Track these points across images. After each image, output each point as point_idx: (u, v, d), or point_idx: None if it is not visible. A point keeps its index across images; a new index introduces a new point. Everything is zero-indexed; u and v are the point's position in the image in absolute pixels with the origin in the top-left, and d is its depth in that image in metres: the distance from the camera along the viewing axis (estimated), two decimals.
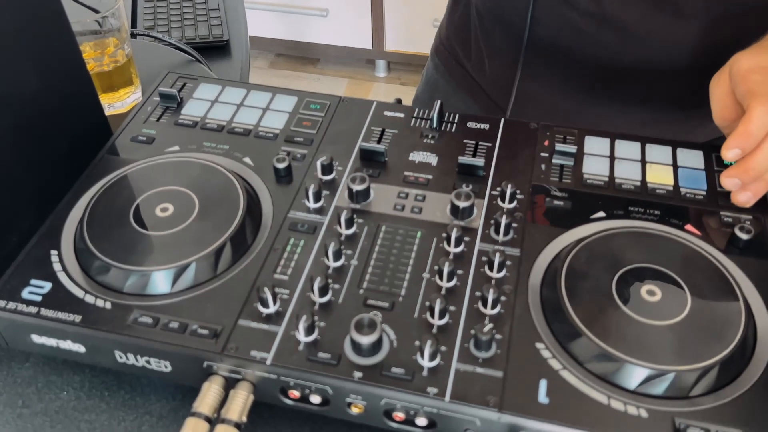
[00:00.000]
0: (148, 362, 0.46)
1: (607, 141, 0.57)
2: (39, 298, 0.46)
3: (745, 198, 0.51)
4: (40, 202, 0.54)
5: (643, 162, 0.55)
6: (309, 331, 0.44)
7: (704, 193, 0.53)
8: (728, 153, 0.49)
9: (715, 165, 0.55)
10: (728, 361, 0.42)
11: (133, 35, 0.87)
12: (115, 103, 0.75)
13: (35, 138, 0.53)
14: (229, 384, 0.45)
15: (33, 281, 0.47)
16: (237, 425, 0.43)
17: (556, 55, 0.72)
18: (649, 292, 0.45)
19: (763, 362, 0.43)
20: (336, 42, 2.32)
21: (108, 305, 0.46)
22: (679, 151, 0.56)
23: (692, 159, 0.56)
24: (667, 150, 0.56)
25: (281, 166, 0.54)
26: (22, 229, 0.52)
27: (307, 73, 2.44)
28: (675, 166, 0.55)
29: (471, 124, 0.59)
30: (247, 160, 0.56)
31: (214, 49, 0.97)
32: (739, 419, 0.40)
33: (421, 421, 0.43)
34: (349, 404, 0.44)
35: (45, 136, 0.54)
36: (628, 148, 0.56)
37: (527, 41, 0.71)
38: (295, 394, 0.44)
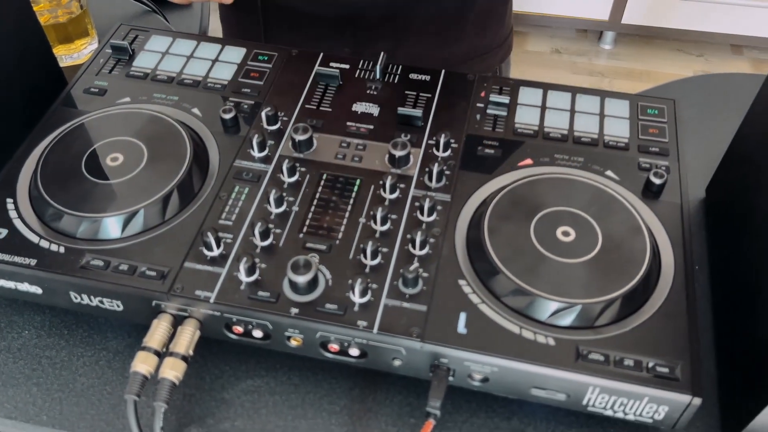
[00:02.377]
0: (101, 302, 0.49)
1: (540, 91, 0.60)
2: None
3: None
4: None
5: (573, 111, 0.58)
6: (250, 271, 0.47)
7: (626, 140, 0.56)
8: None
9: (639, 114, 0.58)
10: (631, 295, 0.46)
11: None
12: (72, 54, 0.76)
13: None
14: (177, 321, 0.48)
15: None
16: (184, 358, 0.47)
17: None
18: (564, 233, 0.49)
19: (663, 295, 0.47)
20: None
21: (62, 249, 0.49)
22: (607, 101, 0.59)
23: (619, 108, 0.59)
24: (595, 99, 0.59)
25: (228, 116, 0.57)
26: None
27: None
28: (602, 116, 0.58)
29: (413, 76, 0.62)
30: (195, 111, 0.58)
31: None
32: (638, 346, 0.44)
33: (354, 352, 0.47)
34: (288, 338, 0.47)
35: None
36: (558, 98, 0.59)
37: None
38: (239, 329, 0.48)
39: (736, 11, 2.08)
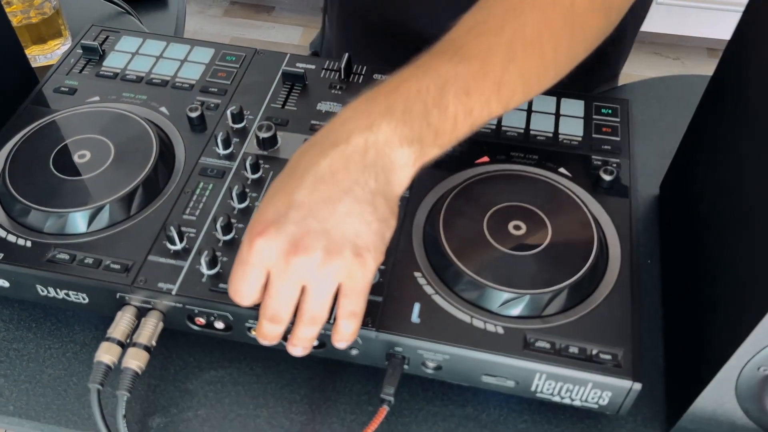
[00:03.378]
0: (67, 295, 0.50)
1: None
2: None
3: (298, 352, 0.45)
4: None
5: (529, 111, 0.60)
6: (211, 264, 0.49)
7: (580, 138, 0.58)
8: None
9: (593, 113, 0.60)
10: (577, 286, 0.48)
11: None
12: (45, 54, 0.77)
13: None
14: (141, 313, 0.50)
15: None
16: (146, 348, 0.48)
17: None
18: (516, 227, 0.50)
19: (609, 287, 0.49)
20: None
21: (29, 244, 0.50)
22: (563, 101, 0.61)
23: (574, 108, 0.61)
24: (551, 100, 0.61)
25: (194, 115, 0.58)
26: None
27: (262, 21, 2.43)
28: (557, 115, 0.60)
29: (377, 76, 0.64)
30: (163, 109, 0.60)
31: (149, 1, 0.99)
32: (583, 334, 0.46)
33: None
34: (249, 328, 0.49)
35: None
36: None
37: None
38: (201, 321, 0.49)
39: (712, 15, 2.11)
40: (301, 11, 2.43)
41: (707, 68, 2.44)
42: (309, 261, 0.40)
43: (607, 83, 0.82)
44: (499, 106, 0.45)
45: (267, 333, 0.44)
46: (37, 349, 0.53)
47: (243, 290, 0.43)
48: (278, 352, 0.51)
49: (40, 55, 0.77)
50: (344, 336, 0.44)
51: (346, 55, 0.63)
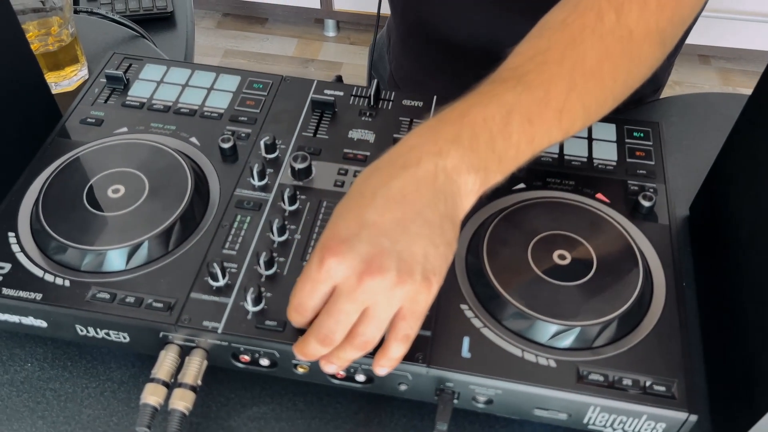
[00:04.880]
0: (107, 334, 0.49)
1: None
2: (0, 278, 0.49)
3: (331, 369, 0.45)
4: None
5: None
6: (256, 301, 0.48)
7: (614, 163, 0.58)
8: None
9: (625, 137, 0.61)
10: (626, 316, 0.48)
11: (76, 11, 0.87)
12: (61, 82, 0.76)
13: None
14: (184, 351, 0.49)
15: None
16: (193, 388, 0.47)
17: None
18: (560, 256, 0.50)
19: (657, 315, 0.49)
20: (284, 1, 2.31)
21: (67, 283, 0.49)
22: (594, 125, 0.61)
23: (605, 132, 0.61)
24: None
25: (226, 145, 0.57)
26: None
27: (255, 32, 2.42)
28: (590, 139, 0.60)
29: (406, 102, 0.63)
30: (193, 140, 0.59)
31: (157, 21, 0.98)
32: (635, 365, 0.46)
33: (360, 378, 0.48)
34: (295, 365, 0.48)
35: None
36: None
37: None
38: (246, 358, 0.49)
39: (704, 22, 2.13)
40: (295, 22, 2.42)
41: (699, 74, 2.45)
42: (382, 282, 0.40)
43: (653, 95, 0.84)
44: (560, 134, 0.46)
45: (312, 353, 0.43)
46: (74, 388, 0.52)
47: (308, 307, 0.43)
48: (320, 386, 0.51)
49: (56, 83, 0.76)
50: (391, 360, 0.43)
51: (375, 81, 0.63)
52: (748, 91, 0.55)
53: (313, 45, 2.37)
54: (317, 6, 2.29)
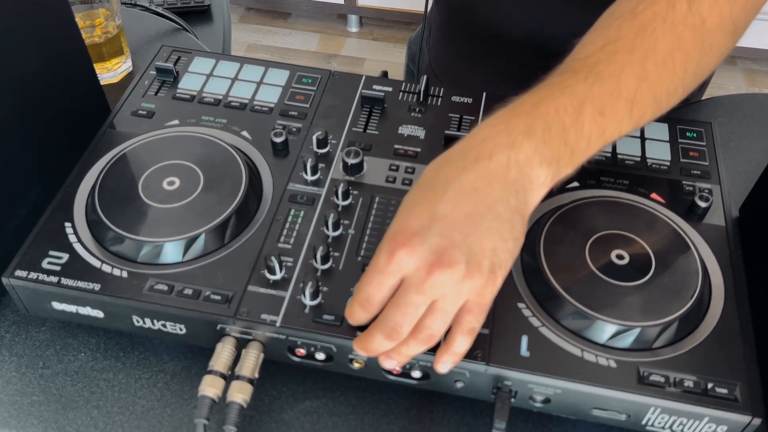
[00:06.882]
0: (164, 326, 0.50)
1: None
2: (58, 268, 0.50)
3: (391, 365, 0.45)
4: (45, 175, 0.57)
5: None
6: (314, 295, 0.48)
7: (668, 163, 0.58)
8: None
9: (678, 137, 0.60)
10: (686, 317, 0.47)
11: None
12: (106, 74, 0.77)
13: (36, 114, 0.56)
14: (241, 344, 0.49)
15: (51, 252, 0.50)
16: (250, 381, 0.47)
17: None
18: (618, 256, 0.50)
19: (716, 316, 0.48)
20: None
21: (124, 274, 0.50)
22: (647, 124, 0.61)
23: (658, 131, 0.60)
24: None
25: (279, 140, 0.57)
26: (29, 202, 0.55)
27: (278, 27, 2.42)
28: (642, 138, 0.60)
29: (455, 98, 0.63)
30: (245, 133, 0.59)
31: (194, 14, 0.98)
32: (695, 367, 0.46)
33: (416, 374, 0.48)
34: (351, 360, 0.48)
35: (45, 112, 0.57)
36: None
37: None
38: (302, 351, 0.49)
39: None
40: (318, 17, 2.42)
41: (725, 75, 2.42)
42: (452, 274, 0.40)
43: (698, 93, 0.83)
44: (630, 125, 0.46)
45: (376, 348, 0.43)
46: (127, 379, 0.53)
47: (375, 301, 0.42)
48: (372, 382, 0.51)
49: (101, 74, 0.76)
50: (454, 355, 0.43)
51: (425, 77, 0.63)
52: None
53: (335, 40, 2.37)
54: (341, 1, 2.29)
